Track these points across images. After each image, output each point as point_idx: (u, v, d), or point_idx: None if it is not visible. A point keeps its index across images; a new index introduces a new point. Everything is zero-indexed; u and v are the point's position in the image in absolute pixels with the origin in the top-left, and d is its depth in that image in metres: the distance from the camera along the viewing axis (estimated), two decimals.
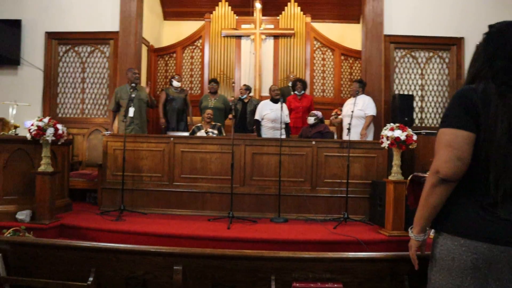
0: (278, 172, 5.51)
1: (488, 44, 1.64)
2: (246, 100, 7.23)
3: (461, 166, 1.54)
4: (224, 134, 6.46)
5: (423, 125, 7.22)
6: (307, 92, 7.77)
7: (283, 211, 5.52)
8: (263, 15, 9.14)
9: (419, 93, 7.25)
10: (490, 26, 1.67)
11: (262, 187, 5.70)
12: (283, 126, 6.13)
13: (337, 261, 1.97)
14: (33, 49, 7.43)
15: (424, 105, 7.25)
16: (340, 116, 6.87)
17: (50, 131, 4.63)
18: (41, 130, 4.60)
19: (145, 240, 4.45)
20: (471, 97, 1.56)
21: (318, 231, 4.82)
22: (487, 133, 1.53)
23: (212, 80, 7.38)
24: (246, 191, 5.70)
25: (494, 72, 1.59)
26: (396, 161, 4.80)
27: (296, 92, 7.17)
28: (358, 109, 6.15)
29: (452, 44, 7.15)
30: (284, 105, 6.60)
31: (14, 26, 7.35)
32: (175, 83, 7.16)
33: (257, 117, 6.71)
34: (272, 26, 9.19)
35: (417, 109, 7.19)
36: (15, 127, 5.45)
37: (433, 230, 1.71)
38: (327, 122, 7.17)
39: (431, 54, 7.25)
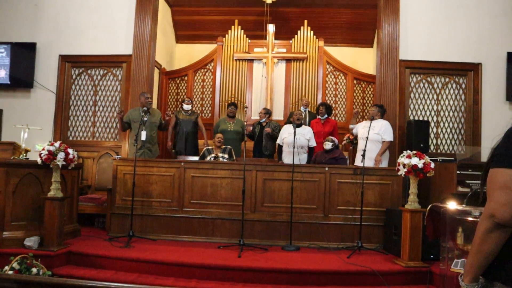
0: (290, 199, 5.40)
1: None
2: (264, 124, 7.17)
3: None
4: (234, 158, 6.38)
5: (439, 151, 7.06)
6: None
7: (294, 238, 5.39)
8: (275, 39, 9.14)
9: (435, 118, 7.11)
10: None
11: (274, 214, 5.58)
12: (299, 150, 6.00)
13: None
14: (46, 72, 7.48)
15: (439, 131, 7.09)
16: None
17: (61, 156, 4.58)
18: (52, 155, 4.56)
19: (154, 269, 4.35)
20: None
21: (332, 260, 4.67)
22: None
23: (232, 104, 7.37)
24: (257, 217, 5.57)
25: None
26: (413, 189, 4.68)
27: (319, 116, 7.09)
28: (375, 133, 5.99)
29: (469, 69, 7.02)
30: (309, 129, 6.54)
31: (29, 49, 7.42)
32: (185, 106, 7.11)
33: (278, 141, 6.63)
34: (284, 50, 9.17)
35: (432, 135, 7.04)
36: (26, 151, 5.41)
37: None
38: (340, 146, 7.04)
39: (447, 79, 7.13)
